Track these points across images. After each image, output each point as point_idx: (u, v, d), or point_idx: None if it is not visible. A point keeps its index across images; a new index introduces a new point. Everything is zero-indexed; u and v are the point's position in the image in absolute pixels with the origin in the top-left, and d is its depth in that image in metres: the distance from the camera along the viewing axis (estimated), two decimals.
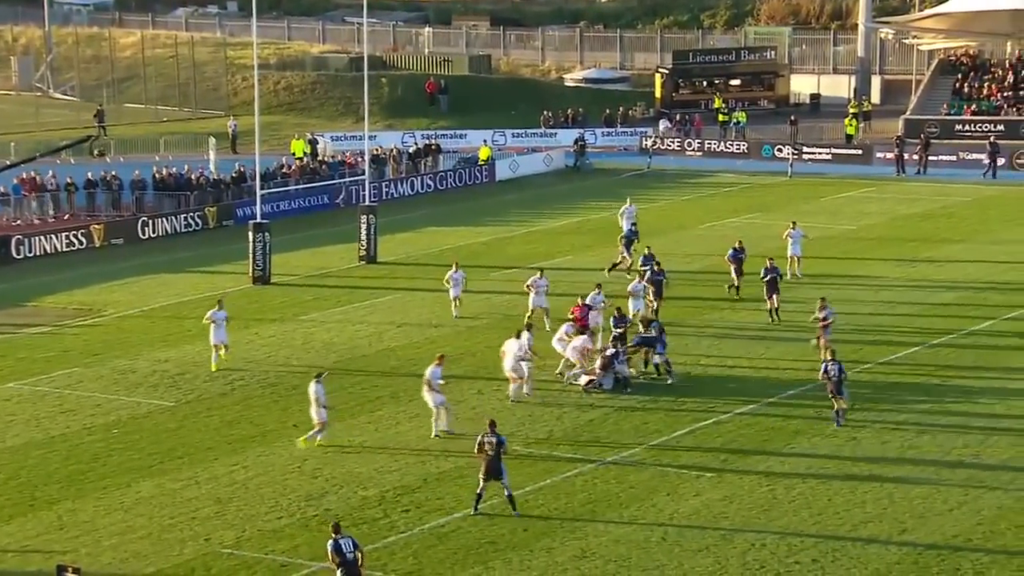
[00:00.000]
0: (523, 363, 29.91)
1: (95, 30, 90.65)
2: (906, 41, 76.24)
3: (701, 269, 42.41)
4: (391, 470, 25.98)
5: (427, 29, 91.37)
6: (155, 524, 23.68)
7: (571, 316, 32.63)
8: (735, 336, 34.61)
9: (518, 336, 30.10)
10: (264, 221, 43.25)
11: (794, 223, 41.67)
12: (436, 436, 27.52)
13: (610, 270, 39.95)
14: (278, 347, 34.74)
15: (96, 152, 61.12)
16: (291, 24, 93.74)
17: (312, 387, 27.46)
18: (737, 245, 38.73)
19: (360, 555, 19.93)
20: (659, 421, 28.48)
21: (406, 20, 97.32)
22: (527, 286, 35.18)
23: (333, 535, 19.98)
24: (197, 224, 51.45)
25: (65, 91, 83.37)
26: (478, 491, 23.59)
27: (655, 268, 35.83)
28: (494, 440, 23.44)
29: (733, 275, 38.14)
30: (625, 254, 40.90)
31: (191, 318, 37.74)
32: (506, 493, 23.48)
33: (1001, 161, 60.06)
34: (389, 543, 22.68)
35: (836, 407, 27.98)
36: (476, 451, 23.70)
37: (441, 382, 27.90)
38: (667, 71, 76.66)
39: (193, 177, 54.23)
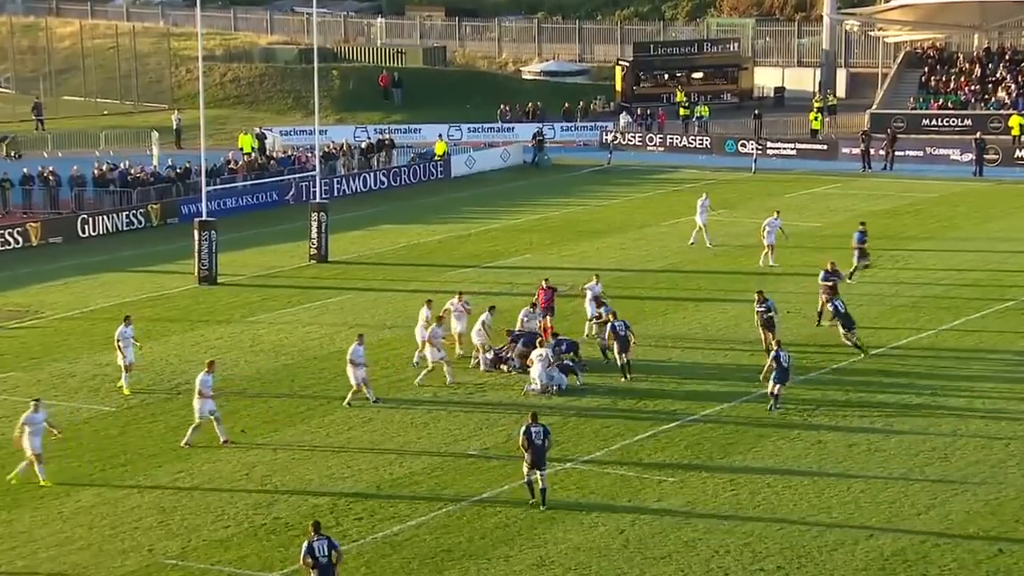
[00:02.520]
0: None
1: (31, 19, 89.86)
2: (872, 33, 76.91)
3: (662, 268, 42.58)
4: (343, 476, 25.91)
5: (379, 20, 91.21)
6: (96, 534, 23.49)
7: (534, 301, 33.60)
8: (698, 337, 34.77)
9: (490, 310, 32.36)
10: (210, 219, 43.02)
11: (777, 212, 42.51)
12: (186, 444, 27.31)
13: (850, 276, 38.94)
14: (226, 349, 34.54)
15: (13, 154, 60.11)
16: (238, 14, 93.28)
17: (30, 415, 25.74)
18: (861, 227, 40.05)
19: (336, 555, 20.00)
20: (620, 424, 28.57)
21: (358, 10, 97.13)
22: (444, 309, 32.80)
23: (312, 534, 19.99)
24: (140, 222, 51.09)
25: (0, 83, 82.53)
26: (527, 480, 23.98)
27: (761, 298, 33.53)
28: (540, 429, 23.86)
29: (855, 260, 39.16)
30: (858, 257, 39.85)
31: (133, 320, 37.44)
32: (542, 487, 23.92)
33: (968, 157, 60.67)
34: (341, 552, 22.55)
35: (776, 392, 28.95)
36: (521, 442, 24.00)
37: (211, 389, 27.47)
38: (628, 64, 76.92)
39: (133, 172, 53.79)
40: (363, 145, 62.52)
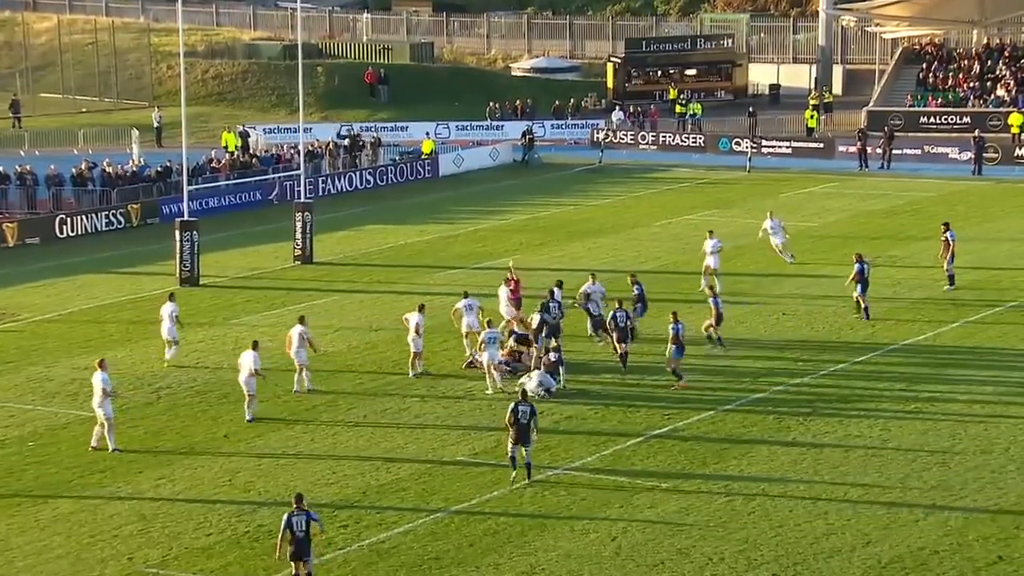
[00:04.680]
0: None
1: (7, 14, 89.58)
2: (869, 29, 77.07)
3: (655, 269, 42.60)
4: (328, 483, 25.89)
5: (365, 15, 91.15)
6: (74, 543, 23.45)
7: (508, 285, 34.44)
8: (691, 340, 34.74)
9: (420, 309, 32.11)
10: (192, 219, 42.97)
11: (771, 213, 42.83)
12: (115, 450, 27.36)
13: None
14: (207, 352, 34.50)
15: None
16: (220, 9, 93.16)
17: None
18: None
19: (319, 526, 21.28)
20: (612, 429, 28.58)
21: (343, 6, 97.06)
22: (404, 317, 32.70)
23: (294, 506, 21.14)
24: (119, 222, 50.99)
25: None
26: (511, 455, 25.40)
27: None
28: (527, 409, 25.29)
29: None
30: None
31: (113, 322, 37.43)
32: (526, 460, 25.36)
33: (967, 155, 60.82)
34: (326, 560, 22.58)
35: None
36: (508, 419, 25.36)
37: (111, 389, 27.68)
38: (619, 60, 76.96)
39: (111, 171, 53.62)
40: (346, 143, 62.35)
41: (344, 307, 38.87)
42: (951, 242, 38.61)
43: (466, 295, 33.32)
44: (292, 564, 21.06)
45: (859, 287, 35.63)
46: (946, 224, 39.27)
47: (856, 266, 35.72)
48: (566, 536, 23.45)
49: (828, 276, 40.92)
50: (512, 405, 25.42)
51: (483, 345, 30.81)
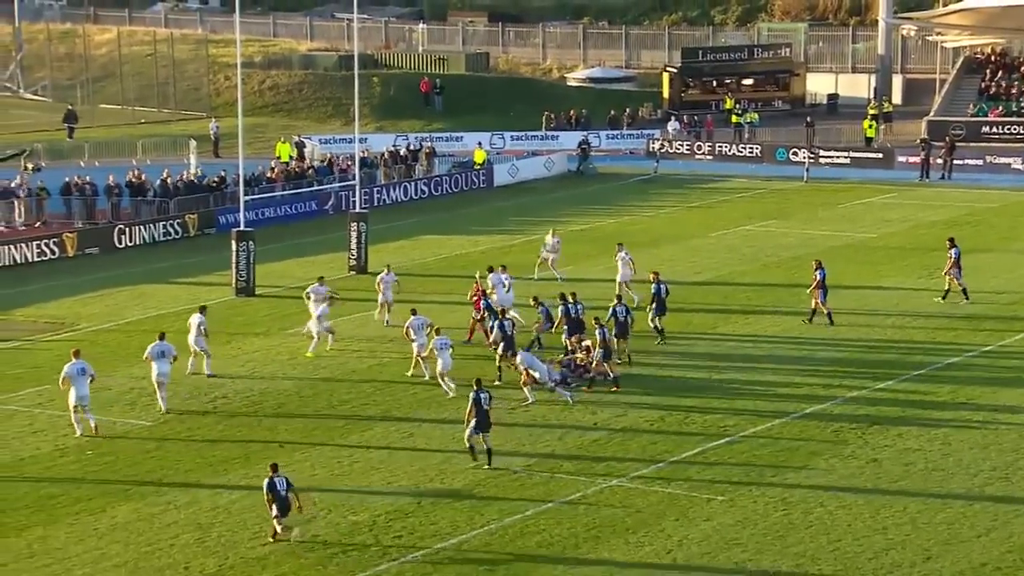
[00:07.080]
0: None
1: (68, 26, 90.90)
2: (929, 38, 76.44)
3: (711, 280, 42.42)
4: (383, 493, 25.95)
5: (421, 26, 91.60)
6: (131, 551, 23.63)
7: (470, 298, 35.44)
8: (747, 350, 34.59)
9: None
10: (248, 229, 43.26)
11: (553, 230, 43.14)
12: (81, 436, 28.65)
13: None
14: (263, 363, 34.71)
15: (30, 167, 59.65)
16: (277, 20, 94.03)
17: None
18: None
19: (293, 492, 23.51)
20: (667, 441, 28.46)
21: (399, 16, 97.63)
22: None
23: (270, 474, 23.56)
24: (177, 232, 51.49)
25: (36, 91, 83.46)
26: (469, 444, 26.84)
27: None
28: (487, 395, 26.75)
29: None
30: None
31: (170, 331, 37.61)
32: (486, 447, 26.76)
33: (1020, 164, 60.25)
34: (379, 571, 22.64)
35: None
36: (469, 409, 26.64)
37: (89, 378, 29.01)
38: (675, 70, 76.85)
39: (170, 181, 54.15)
40: (402, 152, 62.60)
41: (398, 317, 38.90)
42: (953, 257, 38.23)
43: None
44: (275, 522, 23.27)
45: (820, 293, 36.07)
46: (951, 240, 38.84)
47: (817, 273, 36.11)
48: (620, 549, 23.35)
49: (886, 288, 40.60)
50: (474, 394, 26.49)
51: (436, 353, 31.05)
